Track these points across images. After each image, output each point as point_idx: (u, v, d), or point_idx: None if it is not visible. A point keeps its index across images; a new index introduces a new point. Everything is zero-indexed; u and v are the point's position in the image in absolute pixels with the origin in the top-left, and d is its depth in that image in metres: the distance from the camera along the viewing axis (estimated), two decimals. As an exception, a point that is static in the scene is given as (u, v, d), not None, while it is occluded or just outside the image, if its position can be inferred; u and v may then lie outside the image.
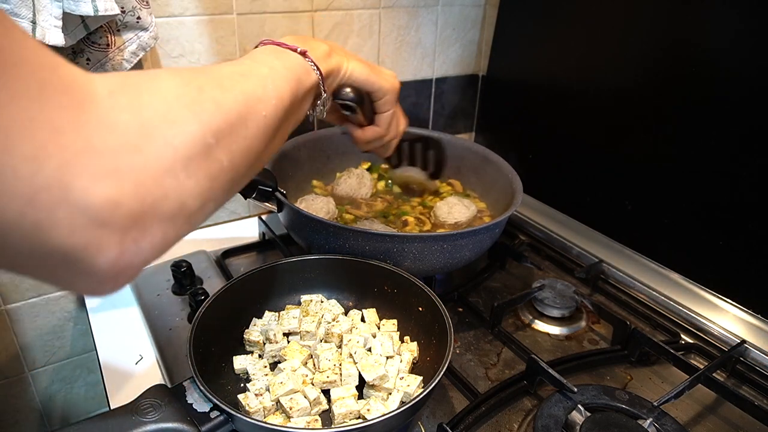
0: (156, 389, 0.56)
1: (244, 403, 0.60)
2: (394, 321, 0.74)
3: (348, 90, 0.67)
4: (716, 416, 0.70)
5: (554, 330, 0.84)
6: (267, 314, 0.74)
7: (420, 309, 0.72)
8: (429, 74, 1.21)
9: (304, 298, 0.77)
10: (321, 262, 0.78)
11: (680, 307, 0.87)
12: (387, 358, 0.66)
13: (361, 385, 0.64)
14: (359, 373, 0.64)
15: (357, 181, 1.01)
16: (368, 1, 1.05)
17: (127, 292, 0.88)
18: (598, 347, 0.80)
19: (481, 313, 0.84)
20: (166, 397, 0.55)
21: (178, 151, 0.35)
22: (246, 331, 0.72)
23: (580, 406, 0.65)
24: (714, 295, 0.87)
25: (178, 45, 0.89)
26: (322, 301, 0.77)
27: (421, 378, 0.65)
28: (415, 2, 1.11)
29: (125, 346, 0.78)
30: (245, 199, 0.82)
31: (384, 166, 1.07)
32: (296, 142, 0.99)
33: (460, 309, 0.87)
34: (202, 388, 0.55)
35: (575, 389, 0.66)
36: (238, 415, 0.53)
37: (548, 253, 1.03)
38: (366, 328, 0.72)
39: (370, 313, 0.76)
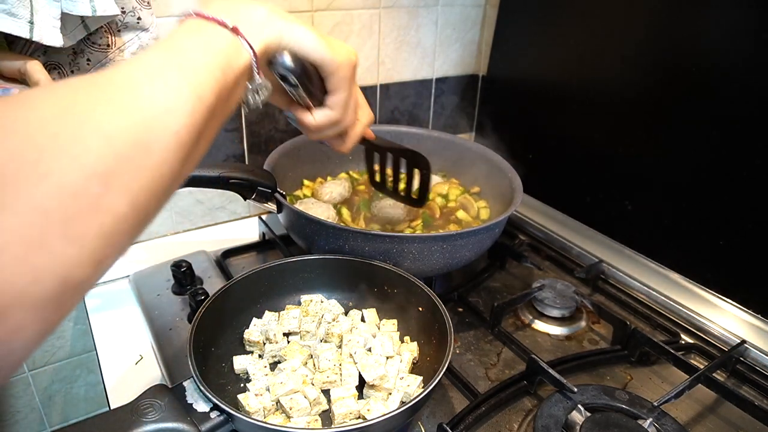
0: (156, 389, 0.56)
1: (244, 403, 0.60)
2: (394, 321, 0.74)
3: (286, 57, 0.52)
4: (716, 416, 0.70)
5: (554, 330, 0.84)
6: (267, 314, 0.74)
7: (420, 309, 0.72)
8: (429, 74, 1.21)
9: (304, 298, 0.77)
10: (321, 262, 0.78)
11: (680, 307, 0.87)
12: (387, 358, 0.66)
13: (362, 385, 0.64)
14: (359, 373, 0.64)
15: (344, 188, 1.01)
16: (368, 1, 1.05)
17: (127, 292, 0.88)
18: (598, 347, 0.80)
19: (481, 313, 0.84)
20: (166, 397, 0.55)
21: (50, 215, 0.27)
22: (246, 331, 0.72)
23: (580, 406, 0.65)
24: (714, 295, 0.87)
25: (178, 45, 0.89)
26: (322, 301, 0.77)
27: (421, 378, 0.65)
28: (415, 2, 1.11)
29: (125, 346, 0.78)
30: (245, 200, 0.82)
31: (362, 187, 1.03)
32: (296, 142, 0.99)
33: (460, 309, 0.87)
34: (202, 388, 0.55)
35: (575, 389, 0.66)
36: (238, 415, 0.53)
37: (548, 253, 1.03)
38: (366, 328, 0.72)
39: (370, 313, 0.76)
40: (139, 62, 0.38)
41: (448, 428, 0.61)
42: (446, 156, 1.08)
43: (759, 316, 0.82)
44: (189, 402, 0.55)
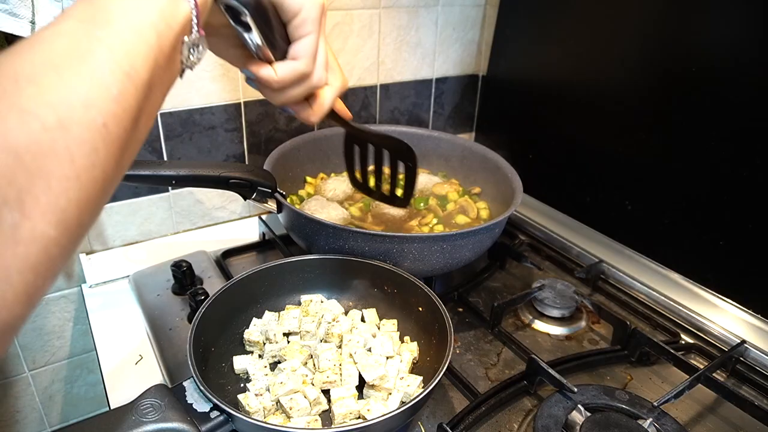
0: (156, 389, 0.56)
1: (244, 403, 0.60)
2: (394, 321, 0.74)
3: None
4: (716, 416, 0.70)
5: (554, 330, 0.84)
6: (267, 314, 0.74)
7: (420, 309, 0.72)
8: (429, 74, 1.21)
9: (304, 298, 0.77)
10: (321, 262, 0.78)
11: (680, 307, 0.87)
12: (387, 358, 0.66)
13: (362, 385, 0.64)
14: (359, 373, 0.64)
15: (347, 185, 1.01)
16: (368, 1, 1.05)
17: (127, 292, 0.88)
18: (598, 347, 0.80)
19: (481, 313, 0.84)
20: (166, 397, 0.55)
21: None
22: (246, 331, 0.72)
23: (580, 406, 0.65)
24: (714, 295, 0.87)
25: (178, 45, 0.89)
26: (322, 301, 0.77)
27: (421, 378, 0.65)
28: (415, 2, 1.11)
29: (125, 346, 0.78)
30: (245, 200, 0.83)
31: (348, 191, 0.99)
32: (296, 142, 0.99)
33: (460, 309, 0.87)
34: (202, 388, 0.55)
35: (575, 389, 0.66)
36: (238, 415, 0.53)
37: (548, 253, 1.03)
38: (366, 328, 0.72)
39: (370, 313, 0.76)
40: (46, 42, 0.30)
41: (448, 428, 0.61)
42: (446, 156, 1.09)
43: (759, 316, 0.82)
44: (189, 402, 0.55)
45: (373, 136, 0.71)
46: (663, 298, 0.89)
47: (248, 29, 0.46)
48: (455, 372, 0.72)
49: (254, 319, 0.74)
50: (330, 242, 0.77)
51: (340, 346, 0.70)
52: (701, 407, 0.71)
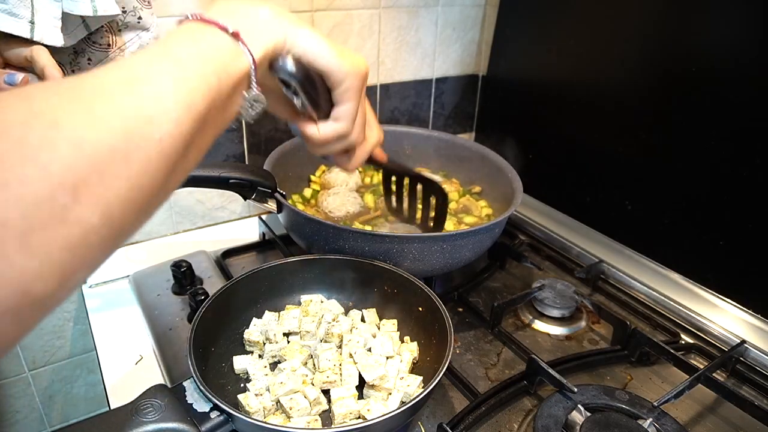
0: (156, 389, 0.56)
1: (244, 403, 0.60)
2: (394, 321, 0.74)
3: (289, 62, 0.49)
4: (716, 416, 0.70)
5: (554, 330, 0.84)
6: (267, 314, 0.74)
7: (420, 309, 0.72)
8: (429, 74, 1.21)
9: (304, 298, 0.77)
10: (321, 262, 0.78)
11: (680, 307, 0.87)
12: (387, 358, 0.66)
13: (362, 385, 0.64)
14: (359, 373, 0.64)
15: (357, 175, 1.02)
16: (368, 1, 1.05)
17: (127, 292, 0.88)
18: (598, 347, 0.80)
19: (481, 313, 0.84)
20: (166, 397, 0.55)
21: (7, 224, 0.26)
22: (246, 331, 0.72)
23: (580, 406, 0.65)
24: (714, 295, 0.87)
25: (178, 45, 0.89)
26: (322, 301, 0.77)
27: (421, 378, 0.65)
28: (415, 2, 1.11)
29: (125, 346, 0.78)
30: (245, 200, 0.82)
31: (367, 180, 1.04)
32: (296, 142, 0.99)
33: (460, 309, 0.87)
34: (202, 388, 0.55)
35: (575, 389, 0.66)
36: (238, 415, 0.53)
37: (548, 253, 1.03)
38: (366, 328, 0.72)
39: (370, 313, 0.76)
40: (126, 66, 0.36)
41: (448, 428, 0.61)
42: (446, 156, 1.09)
43: (759, 316, 0.82)
44: (189, 402, 0.55)
45: (408, 173, 0.82)
46: (663, 298, 0.89)
47: (296, 94, 0.52)
48: (455, 372, 0.72)
49: (254, 319, 0.74)
50: (330, 242, 0.77)
51: (340, 346, 0.70)
52: (701, 407, 0.71)
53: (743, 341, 0.78)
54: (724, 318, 0.84)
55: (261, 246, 1.00)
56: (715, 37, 0.83)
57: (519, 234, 1.08)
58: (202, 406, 0.55)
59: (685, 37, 0.86)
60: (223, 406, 0.53)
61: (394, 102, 1.19)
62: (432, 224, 0.83)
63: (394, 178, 0.83)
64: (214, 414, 0.54)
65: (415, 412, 0.61)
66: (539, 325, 0.85)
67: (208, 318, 0.66)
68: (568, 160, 1.09)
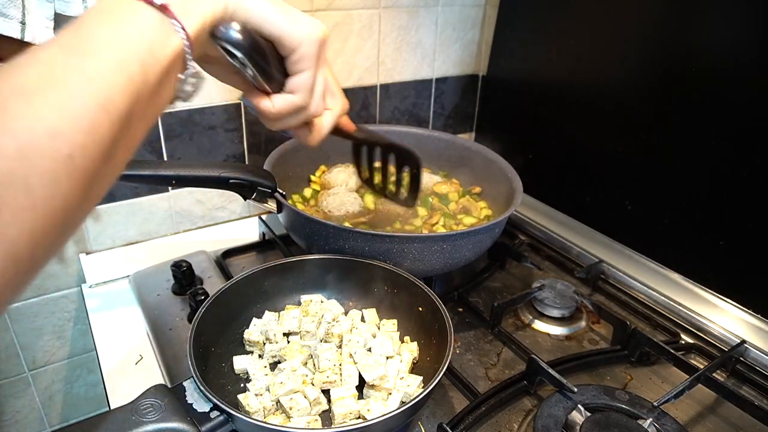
0: (156, 389, 0.56)
1: (244, 403, 0.60)
2: (394, 321, 0.74)
3: (233, 30, 0.43)
4: (716, 416, 0.70)
5: (554, 330, 0.84)
6: (267, 314, 0.74)
7: (420, 309, 0.72)
8: (429, 74, 1.21)
9: (304, 298, 0.77)
10: (321, 262, 0.78)
11: (680, 307, 0.87)
12: (387, 358, 0.66)
13: (362, 385, 0.64)
14: (359, 373, 0.64)
15: (347, 175, 1.02)
16: (368, 1, 1.05)
17: (127, 292, 0.88)
18: (598, 347, 0.80)
19: (481, 313, 0.84)
20: (166, 397, 0.55)
21: None
22: (246, 331, 0.72)
23: (580, 406, 0.65)
24: (714, 295, 0.87)
25: (178, 45, 0.89)
26: (322, 302, 0.77)
27: (421, 378, 0.65)
28: (415, 2, 1.11)
29: (125, 346, 0.78)
30: (245, 200, 0.82)
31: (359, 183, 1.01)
32: (296, 142, 0.98)
33: (460, 309, 0.86)
34: (202, 388, 0.55)
35: (575, 389, 0.66)
36: (238, 415, 0.53)
37: (548, 253, 1.03)
38: (366, 328, 0.72)
39: (370, 313, 0.75)
40: (22, 67, 0.29)
41: (448, 428, 0.61)
42: (446, 156, 1.08)
43: (759, 316, 0.82)
44: (189, 402, 0.55)
45: (379, 141, 0.74)
46: (663, 298, 0.89)
47: (244, 65, 0.46)
48: (455, 372, 0.72)
49: (254, 319, 0.74)
50: (330, 242, 0.77)
51: (340, 346, 0.69)
52: (701, 407, 0.71)
53: (743, 341, 0.78)
54: (724, 318, 0.84)
55: (261, 246, 1.00)
56: (715, 37, 0.83)
57: (519, 234, 1.08)
58: (202, 406, 0.55)
59: (685, 37, 0.86)
60: (223, 406, 0.53)
61: (394, 102, 1.19)
62: (406, 195, 0.77)
63: (365, 149, 0.76)
64: (214, 414, 0.54)
65: (415, 412, 0.61)
66: (539, 325, 0.85)
67: (208, 318, 0.66)
68: (568, 160, 1.09)
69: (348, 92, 1.11)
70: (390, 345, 0.68)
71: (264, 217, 1.03)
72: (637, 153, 0.96)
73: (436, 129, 1.28)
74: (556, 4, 1.06)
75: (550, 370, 0.68)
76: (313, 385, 0.64)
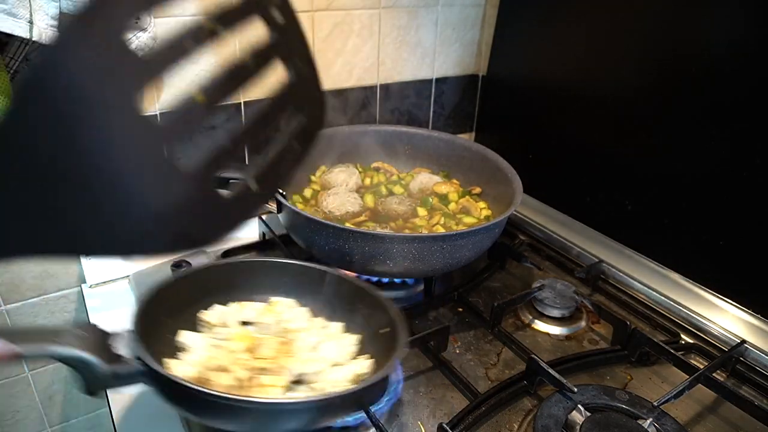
0: (88, 327, 0.54)
1: (167, 366, 0.57)
2: (358, 336, 0.68)
3: None
4: (716, 416, 0.70)
5: (554, 330, 0.84)
6: (231, 304, 0.70)
7: (382, 332, 0.66)
8: (429, 74, 1.21)
9: (274, 299, 0.73)
10: (300, 269, 0.73)
11: (680, 307, 0.87)
12: (333, 365, 0.62)
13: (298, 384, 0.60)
14: (298, 369, 0.60)
15: (358, 176, 1.03)
16: (368, 1, 1.05)
17: (127, 292, 0.88)
18: (598, 347, 0.80)
19: (481, 313, 0.84)
20: (94, 335, 0.53)
21: None
22: (204, 312, 0.68)
23: (580, 406, 0.65)
24: (714, 295, 0.87)
25: (178, 45, 0.89)
26: (291, 308, 0.72)
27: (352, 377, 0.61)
28: (415, 2, 1.11)
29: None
30: (245, 199, 0.82)
31: (368, 181, 1.01)
32: (296, 142, 0.99)
33: (460, 309, 0.86)
34: (135, 337, 0.53)
35: (575, 389, 0.66)
36: (156, 368, 0.50)
37: (548, 253, 1.03)
38: (323, 333, 0.67)
39: (336, 326, 0.70)
40: None
41: (448, 428, 0.61)
42: (446, 156, 1.09)
43: (759, 316, 0.82)
44: (112, 345, 0.54)
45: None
46: (663, 298, 0.89)
47: None
48: (455, 372, 0.72)
49: (216, 305, 0.70)
50: (330, 242, 0.77)
51: (288, 343, 0.64)
52: (701, 407, 0.71)
53: (743, 341, 0.78)
54: (724, 318, 0.84)
55: (261, 246, 1.00)
56: (716, 37, 0.83)
57: (519, 234, 1.08)
58: (124, 353, 0.53)
59: (685, 36, 0.86)
60: (146, 360, 0.51)
61: (394, 102, 1.19)
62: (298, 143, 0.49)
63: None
64: (134, 363, 0.52)
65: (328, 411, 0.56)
66: (539, 325, 0.85)
67: (177, 287, 0.64)
68: (568, 160, 1.09)
69: (348, 92, 1.11)
70: (341, 354, 0.64)
71: (264, 217, 1.03)
72: (637, 153, 0.96)
73: (436, 129, 1.28)
74: (556, 4, 1.06)
75: (550, 370, 0.68)
76: (246, 371, 0.59)
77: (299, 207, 0.93)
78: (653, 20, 0.90)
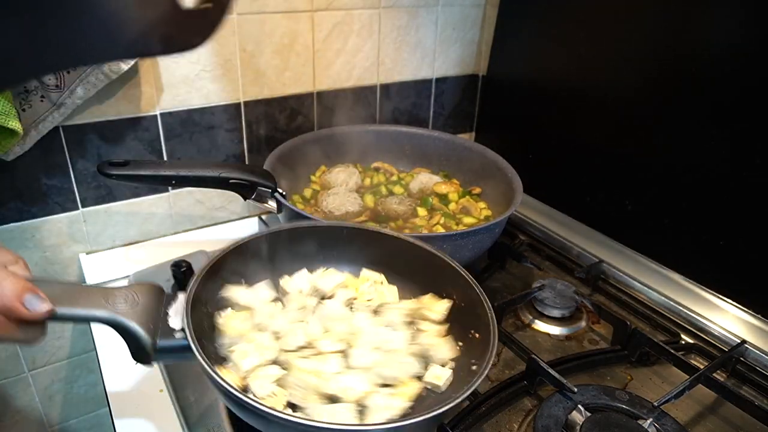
0: (145, 287, 0.50)
1: (222, 325, 0.53)
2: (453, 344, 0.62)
3: None
4: (716, 416, 0.70)
5: (554, 330, 0.84)
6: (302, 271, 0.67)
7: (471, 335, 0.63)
8: (429, 74, 1.21)
9: (366, 273, 0.69)
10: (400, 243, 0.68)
11: (680, 307, 0.87)
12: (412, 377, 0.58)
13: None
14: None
15: (358, 176, 1.03)
16: (368, 1, 1.05)
17: (127, 292, 0.88)
18: (598, 347, 0.80)
19: (481, 313, 0.84)
20: (148, 297, 0.49)
21: None
22: (282, 279, 0.64)
23: (580, 406, 0.65)
24: (714, 295, 0.87)
25: (178, 45, 0.88)
26: (381, 283, 0.69)
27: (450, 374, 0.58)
28: (415, 2, 1.11)
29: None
30: (245, 200, 0.82)
31: (368, 181, 1.02)
32: (295, 142, 0.99)
33: (460, 309, 0.86)
34: (188, 308, 0.49)
35: (575, 389, 0.66)
36: (200, 358, 0.46)
37: (548, 253, 1.03)
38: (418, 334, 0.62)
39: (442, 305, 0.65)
40: None
41: (448, 428, 0.61)
42: (446, 156, 1.09)
43: (759, 316, 0.82)
44: (167, 312, 0.50)
45: None
46: (663, 298, 0.89)
47: None
48: (455, 372, 0.72)
49: (304, 270, 0.67)
50: (330, 242, 0.77)
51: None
52: (701, 407, 0.71)
53: (743, 341, 0.78)
54: (724, 318, 0.84)
55: (261, 246, 1.00)
56: (716, 37, 0.83)
57: (519, 234, 1.08)
58: (175, 322, 0.49)
59: (685, 37, 0.86)
60: (190, 334, 0.46)
61: (394, 102, 1.19)
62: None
63: None
64: (179, 335, 0.48)
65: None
66: (539, 325, 0.85)
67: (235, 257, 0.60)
68: (568, 160, 1.09)
69: (348, 92, 1.11)
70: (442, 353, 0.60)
71: (264, 217, 1.03)
72: (637, 153, 0.96)
73: (436, 129, 1.28)
74: (556, 4, 1.06)
75: (550, 370, 0.68)
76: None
77: (299, 207, 0.92)
78: (653, 20, 0.90)
